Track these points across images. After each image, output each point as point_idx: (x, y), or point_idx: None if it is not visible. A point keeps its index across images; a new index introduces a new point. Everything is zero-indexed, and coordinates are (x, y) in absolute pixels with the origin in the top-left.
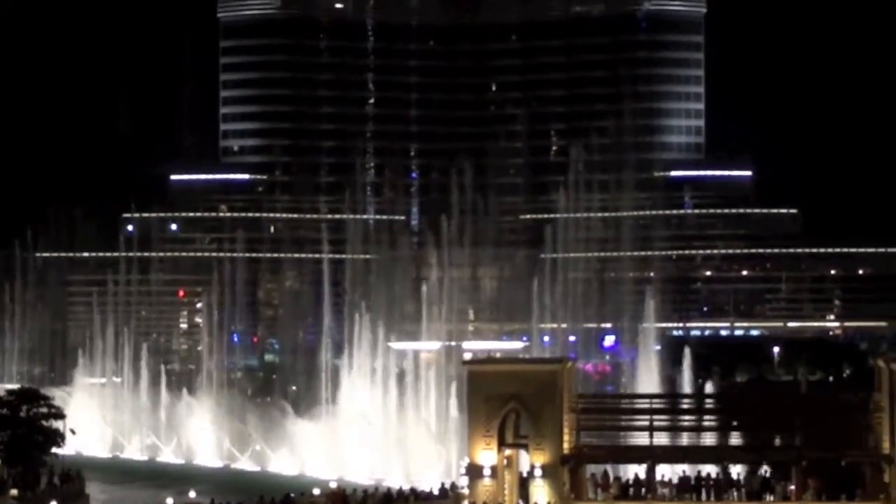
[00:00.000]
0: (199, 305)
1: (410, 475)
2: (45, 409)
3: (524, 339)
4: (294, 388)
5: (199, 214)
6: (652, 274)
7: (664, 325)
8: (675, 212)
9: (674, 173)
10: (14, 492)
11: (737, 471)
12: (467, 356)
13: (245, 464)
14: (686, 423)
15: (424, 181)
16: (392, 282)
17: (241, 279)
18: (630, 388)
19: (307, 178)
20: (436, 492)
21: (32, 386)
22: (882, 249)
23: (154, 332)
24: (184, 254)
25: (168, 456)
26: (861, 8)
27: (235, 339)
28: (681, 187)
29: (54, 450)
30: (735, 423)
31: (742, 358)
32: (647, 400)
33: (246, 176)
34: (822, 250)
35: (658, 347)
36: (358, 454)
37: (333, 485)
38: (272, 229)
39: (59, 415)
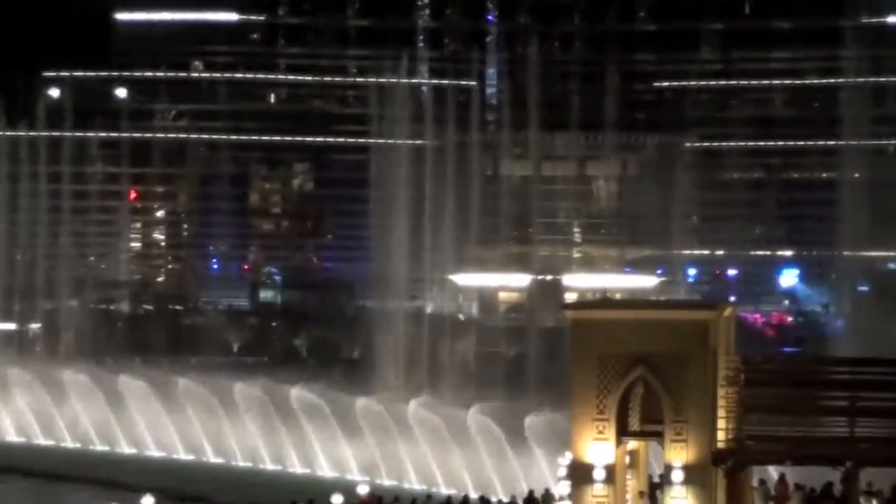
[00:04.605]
0: (159, 214)
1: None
2: None
3: (659, 272)
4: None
5: (160, 74)
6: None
7: (871, 253)
8: None
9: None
10: None
11: None
12: (570, 297)
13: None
14: None
15: (505, 27)
16: (456, 183)
17: (225, 174)
18: (822, 349)
19: (326, 21)
20: (520, 502)
21: None
22: None
23: (92, 254)
24: (137, 134)
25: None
26: None
27: (215, 265)
28: None
29: None
30: None
31: None
32: (849, 367)
33: (233, 16)
34: None
35: (864, 288)
36: (398, 447)
37: (364, 490)
38: (272, 99)
39: None
